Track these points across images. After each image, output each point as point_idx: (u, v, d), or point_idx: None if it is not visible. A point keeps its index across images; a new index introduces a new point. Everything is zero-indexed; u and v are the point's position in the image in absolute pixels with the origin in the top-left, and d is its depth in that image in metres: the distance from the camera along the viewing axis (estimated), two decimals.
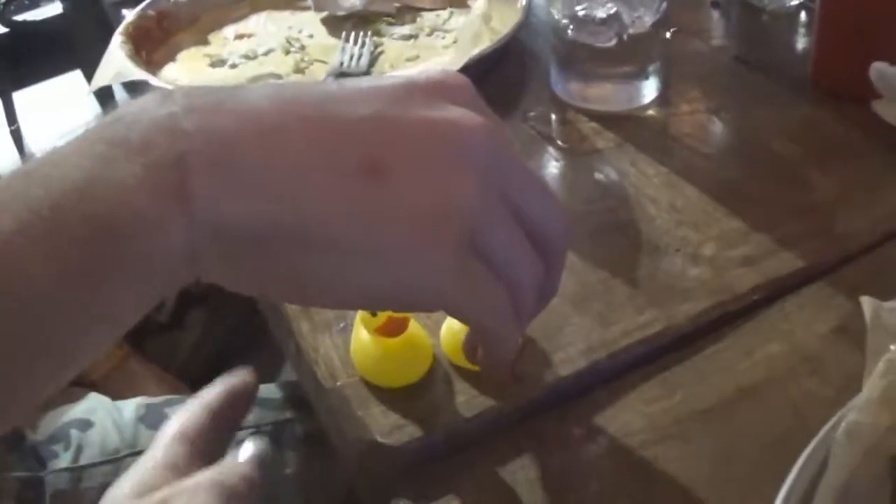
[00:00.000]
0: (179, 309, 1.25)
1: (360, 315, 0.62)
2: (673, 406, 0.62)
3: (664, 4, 0.90)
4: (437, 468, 0.60)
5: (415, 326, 0.64)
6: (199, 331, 1.27)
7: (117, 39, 1.05)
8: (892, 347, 0.55)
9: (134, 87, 1.07)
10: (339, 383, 0.64)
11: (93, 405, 1.01)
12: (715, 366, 0.65)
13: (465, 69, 0.92)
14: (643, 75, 0.93)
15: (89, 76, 3.03)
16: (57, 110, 3.28)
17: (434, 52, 1.07)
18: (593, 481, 0.58)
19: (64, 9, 2.89)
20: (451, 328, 0.64)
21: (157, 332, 1.25)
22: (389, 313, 0.61)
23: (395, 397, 0.62)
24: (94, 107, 3.10)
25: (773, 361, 0.64)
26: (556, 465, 0.59)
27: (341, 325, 0.68)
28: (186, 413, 0.56)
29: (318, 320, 0.69)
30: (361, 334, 0.64)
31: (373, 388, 0.63)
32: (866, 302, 0.59)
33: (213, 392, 0.57)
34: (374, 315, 0.61)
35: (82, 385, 1.09)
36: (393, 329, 0.62)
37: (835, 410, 0.54)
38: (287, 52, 1.10)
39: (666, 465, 0.58)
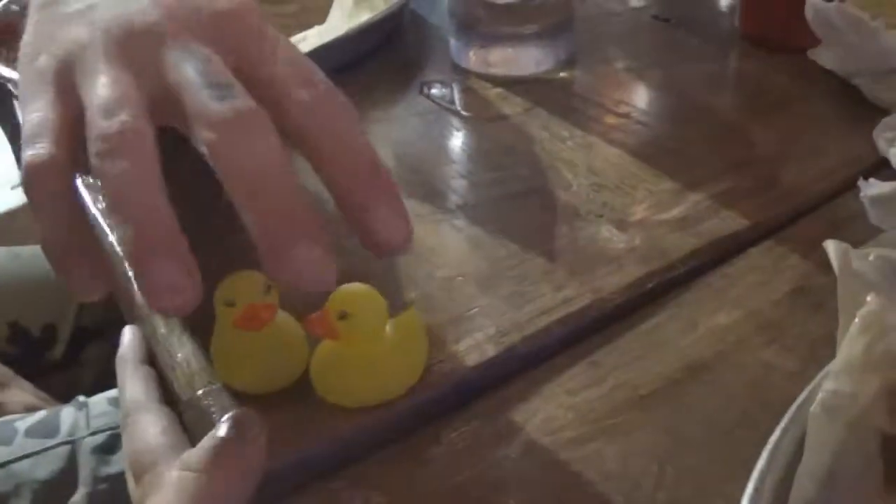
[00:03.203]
0: (75, 344, 1.14)
1: (217, 307, 0.50)
2: (605, 393, 0.51)
3: None
4: (322, 488, 0.48)
5: (285, 318, 0.52)
6: (99, 366, 1.16)
7: None
8: (868, 298, 0.44)
9: None
10: (198, 392, 0.52)
11: None
12: (653, 343, 0.54)
13: (349, 39, 0.81)
14: (551, 35, 0.82)
15: None
16: None
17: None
18: (514, 490, 0.46)
19: None
20: (322, 356, 0.52)
21: (53, 369, 1.14)
22: (251, 300, 0.49)
23: (266, 405, 0.50)
24: None
25: (722, 333, 0.54)
26: (467, 475, 0.48)
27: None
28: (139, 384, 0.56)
29: (176, 322, 0.57)
30: (221, 331, 0.52)
31: (239, 395, 0.52)
32: (832, 246, 0.48)
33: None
34: (231, 305, 0.49)
35: None
36: (254, 320, 0.50)
37: (800, 384, 0.45)
38: None
39: (602, 464, 0.47)
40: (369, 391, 0.51)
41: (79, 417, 0.86)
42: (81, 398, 0.91)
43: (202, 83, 0.42)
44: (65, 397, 1.11)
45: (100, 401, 0.89)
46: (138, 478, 0.51)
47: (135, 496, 0.51)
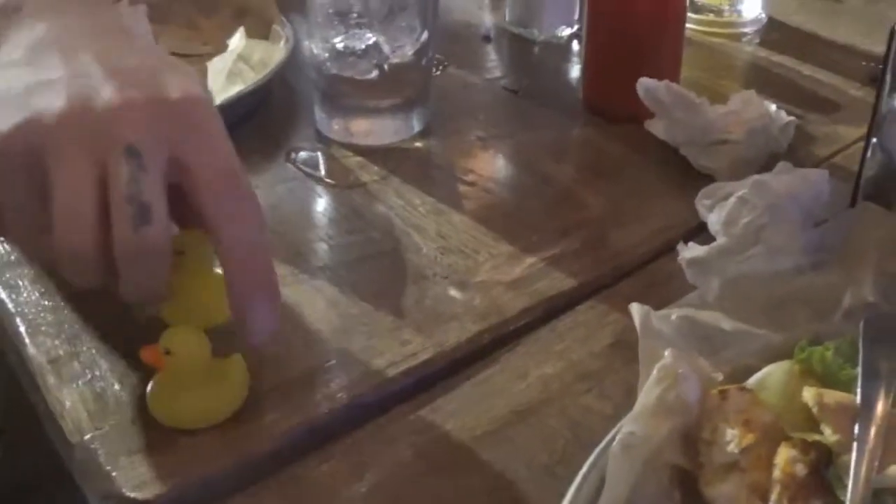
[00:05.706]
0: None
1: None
2: (443, 434, 0.58)
3: (425, 34, 0.87)
4: None
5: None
6: None
7: None
8: (665, 353, 0.52)
9: None
10: (85, 437, 0.58)
11: None
12: (487, 391, 0.61)
13: (221, 109, 0.87)
14: (408, 107, 0.90)
15: None
16: None
17: None
18: None
19: None
20: (155, 385, 0.60)
21: None
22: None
23: (150, 449, 0.57)
24: None
25: (548, 381, 0.62)
26: None
27: (89, 376, 0.62)
28: None
29: (66, 373, 0.63)
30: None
31: (123, 441, 0.58)
32: (636, 309, 0.56)
33: None
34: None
35: None
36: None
37: (615, 425, 0.52)
38: None
39: (439, 497, 0.54)
40: (188, 415, 0.58)
41: None
42: None
43: (128, 195, 0.50)
44: None
45: None
46: None
47: None
